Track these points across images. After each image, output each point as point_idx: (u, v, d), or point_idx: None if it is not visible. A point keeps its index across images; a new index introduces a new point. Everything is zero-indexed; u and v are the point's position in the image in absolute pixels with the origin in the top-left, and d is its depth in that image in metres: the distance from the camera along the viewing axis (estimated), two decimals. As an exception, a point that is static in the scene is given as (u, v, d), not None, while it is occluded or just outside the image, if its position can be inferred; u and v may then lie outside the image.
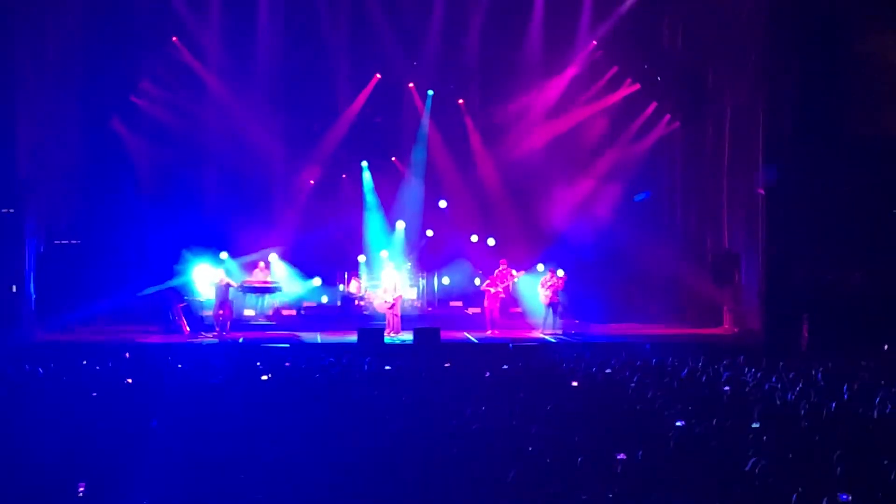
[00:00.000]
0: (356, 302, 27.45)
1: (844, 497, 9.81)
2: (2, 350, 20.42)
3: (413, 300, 27.69)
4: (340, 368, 17.83)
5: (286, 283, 26.99)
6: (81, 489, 10.27)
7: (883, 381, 16.42)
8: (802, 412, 13.90)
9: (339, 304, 27.61)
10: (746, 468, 10.81)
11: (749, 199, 25.78)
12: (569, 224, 27.69)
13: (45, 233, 25.47)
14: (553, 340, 24.51)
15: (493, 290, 25.81)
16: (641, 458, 11.11)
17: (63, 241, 26.16)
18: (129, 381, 16.13)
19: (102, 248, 26.23)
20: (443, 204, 28.56)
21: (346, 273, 28.07)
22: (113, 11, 25.80)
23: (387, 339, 23.88)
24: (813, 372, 17.43)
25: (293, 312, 26.96)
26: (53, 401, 14.51)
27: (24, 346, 21.82)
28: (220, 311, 24.67)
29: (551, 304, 25.57)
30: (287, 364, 18.30)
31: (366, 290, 27.58)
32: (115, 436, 12.15)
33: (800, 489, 9.82)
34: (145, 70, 26.58)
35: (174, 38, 26.72)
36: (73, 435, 12.16)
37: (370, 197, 28.85)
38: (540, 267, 26.61)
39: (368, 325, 24.93)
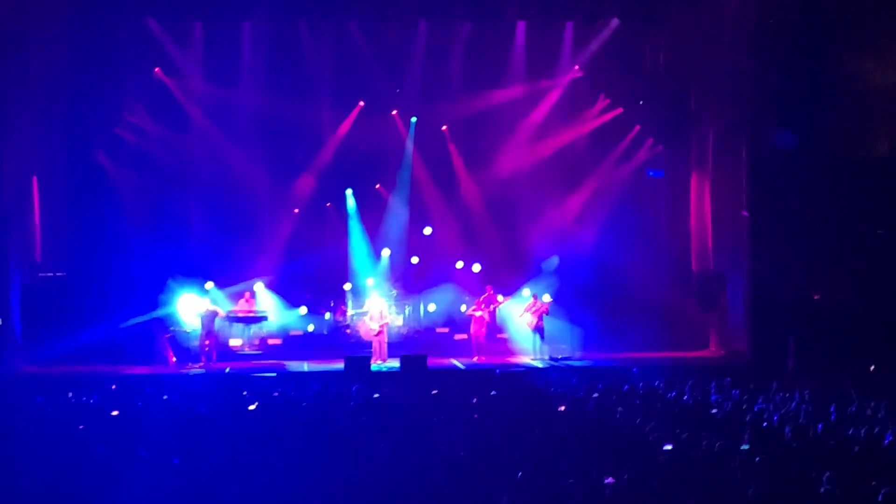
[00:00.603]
0: (344, 330, 27.39)
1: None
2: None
3: (399, 327, 27.59)
4: (328, 397, 17.80)
5: (272, 312, 26.92)
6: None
7: (871, 402, 16.46)
8: (789, 434, 13.92)
9: (325, 332, 27.53)
10: (736, 490, 10.83)
11: (734, 220, 25.85)
12: (554, 249, 27.68)
13: (29, 265, 25.35)
14: (540, 366, 24.49)
15: (478, 314, 25.79)
16: (629, 481, 11.11)
17: (48, 273, 26.04)
18: (116, 412, 16.06)
19: (88, 280, 26.03)
20: (427, 230, 28.52)
21: (332, 301, 27.99)
22: (95, 42, 25.82)
23: (374, 366, 23.84)
24: (800, 393, 17.45)
25: (279, 342, 26.84)
26: (40, 434, 14.45)
27: (9, 379, 21.74)
28: (206, 342, 24.59)
29: (536, 329, 25.52)
30: (276, 394, 18.23)
31: (352, 318, 27.52)
32: (103, 467, 12.11)
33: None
34: (129, 100, 26.54)
35: (157, 69, 26.70)
36: (60, 467, 12.11)
37: (355, 224, 28.82)
38: (526, 292, 26.60)
39: (355, 353, 24.84)
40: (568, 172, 28.54)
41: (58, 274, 26.16)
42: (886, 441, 13.51)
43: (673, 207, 28.48)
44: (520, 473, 11.48)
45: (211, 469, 11.97)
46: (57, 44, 25.38)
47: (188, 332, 25.50)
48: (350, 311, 27.69)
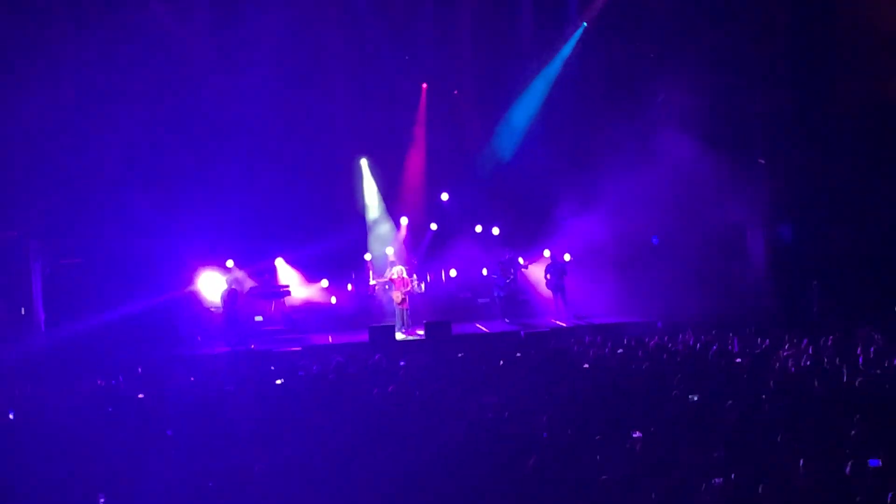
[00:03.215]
0: (367, 301, 27.35)
1: (875, 462, 9.74)
2: (15, 371, 20.37)
3: (420, 292, 27.42)
4: (354, 368, 17.83)
5: (294, 286, 26.93)
6: (102, 501, 10.34)
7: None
8: (816, 381, 13.89)
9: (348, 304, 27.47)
10: (763, 438, 10.82)
11: (751, 170, 25.70)
12: (576, 209, 27.47)
13: (49, 253, 25.22)
14: (564, 325, 24.46)
15: (500, 278, 25.83)
16: (656, 434, 11.12)
17: (68, 261, 25.89)
18: (142, 395, 16.13)
19: (107, 263, 25.74)
20: (445, 196, 28.48)
21: (353, 273, 27.95)
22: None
23: (398, 335, 23.86)
24: (824, 339, 17.41)
25: (303, 315, 26.85)
26: (69, 418, 14.54)
27: (34, 368, 21.71)
28: (231, 319, 24.61)
29: (558, 289, 25.49)
30: (301, 367, 18.28)
31: (375, 288, 27.45)
32: (133, 449, 12.19)
33: (811, 455, 9.82)
34: (136, 78, 25.88)
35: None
36: (92, 450, 12.20)
37: (372, 194, 28.77)
38: (546, 253, 26.59)
39: (379, 323, 24.83)
40: (583, 130, 28.32)
41: (77, 261, 25.96)
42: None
43: (691, 159, 28.17)
44: (545, 434, 11.52)
45: (238, 445, 12.02)
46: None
47: (211, 311, 25.55)
48: (372, 282, 27.63)
